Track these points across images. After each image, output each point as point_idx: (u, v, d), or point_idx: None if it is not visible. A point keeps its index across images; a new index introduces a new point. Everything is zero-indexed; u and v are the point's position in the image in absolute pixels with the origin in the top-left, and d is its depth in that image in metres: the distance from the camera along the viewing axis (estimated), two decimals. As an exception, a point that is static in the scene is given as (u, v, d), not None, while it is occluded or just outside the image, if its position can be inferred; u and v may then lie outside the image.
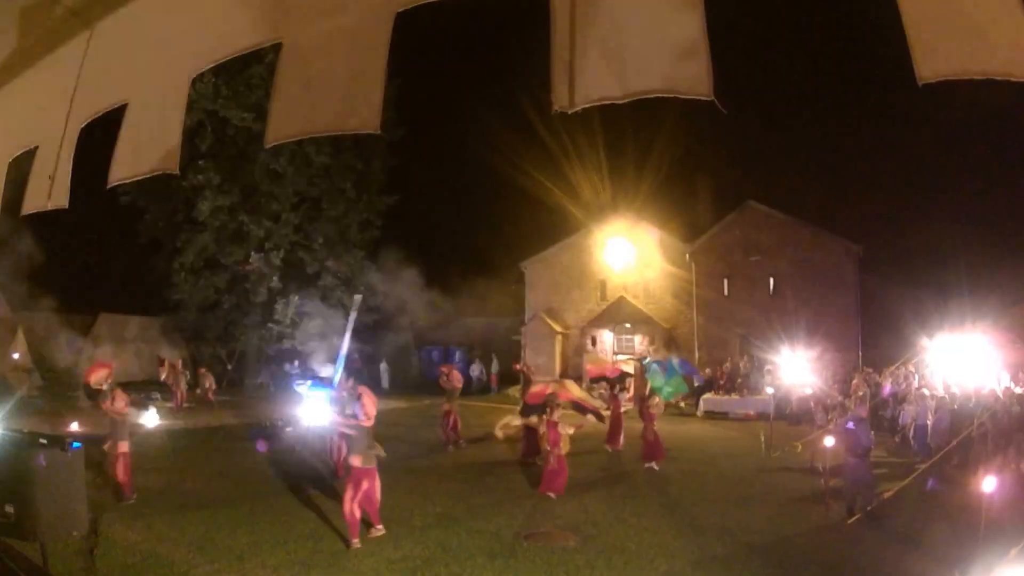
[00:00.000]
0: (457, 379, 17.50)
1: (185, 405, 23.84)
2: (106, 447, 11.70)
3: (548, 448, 12.49)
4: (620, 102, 1.86)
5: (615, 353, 32.48)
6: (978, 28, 1.67)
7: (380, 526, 9.90)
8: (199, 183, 29.21)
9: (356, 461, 9.70)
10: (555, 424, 12.38)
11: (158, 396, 23.11)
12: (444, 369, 18.09)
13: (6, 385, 23.89)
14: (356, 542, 9.47)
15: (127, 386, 24.18)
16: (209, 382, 25.47)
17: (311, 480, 13.34)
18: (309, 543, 9.66)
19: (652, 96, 1.84)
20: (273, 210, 31.10)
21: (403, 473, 13.40)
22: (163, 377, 24.99)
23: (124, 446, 11.56)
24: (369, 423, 9.81)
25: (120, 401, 11.93)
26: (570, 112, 1.88)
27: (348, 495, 9.56)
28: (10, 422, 10.51)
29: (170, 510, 11.16)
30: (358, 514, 9.60)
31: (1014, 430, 13.33)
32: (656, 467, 14.53)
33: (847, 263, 30.64)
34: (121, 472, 11.51)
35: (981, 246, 29.88)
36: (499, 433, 16.06)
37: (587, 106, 1.88)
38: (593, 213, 33.92)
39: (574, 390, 15.43)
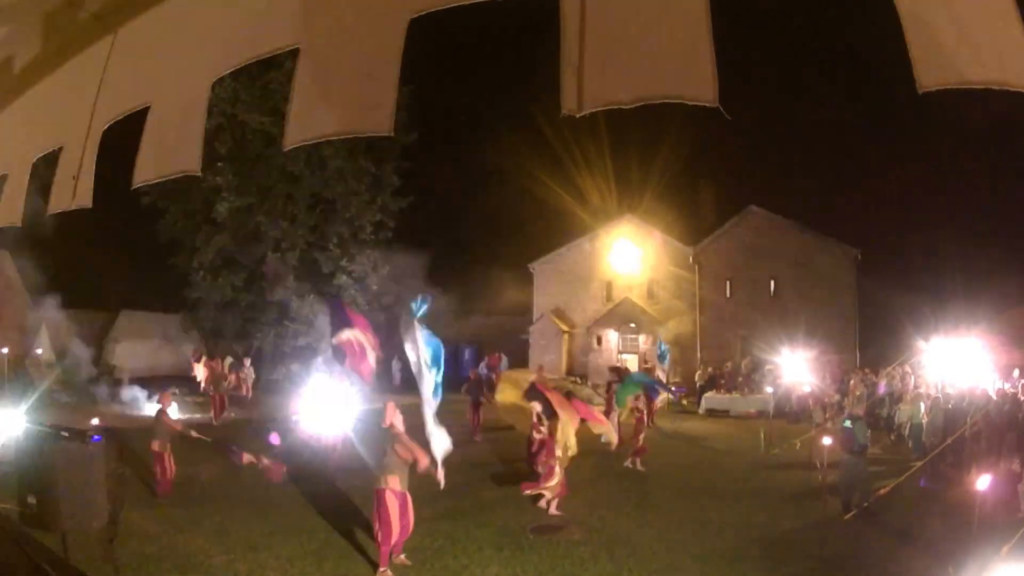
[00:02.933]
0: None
1: (226, 414, 20.50)
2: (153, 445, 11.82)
3: (543, 458, 11.74)
4: (627, 107, 1.88)
5: (620, 352, 33.12)
6: (977, 39, 1.69)
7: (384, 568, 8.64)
8: (218, 184, 29.71)
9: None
10: (552, 437, 11.56)
11: (176, 391, 21.70)
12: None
13: (29, 379, 24.42)
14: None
15: (146, 381, 24.68)
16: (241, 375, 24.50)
17: (324, 474, 13.43)
18: (322, 535, 9.83)
19: (658, 102, 1.85)
20: (289, 211, 31.64)
21: (413, 468, 13.35)
22: (199, 379, 21.94)
23: (156, 444, 11.71)
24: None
25: (164, 403, 12.21)
26: (578, 116, 1.90)
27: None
28: (33, 415, 10.52)
29: (187, 502, 11.31)
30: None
31: (1006, 429, 13.39)
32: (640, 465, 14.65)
33: (846, 267, 31.10)
34: (158, 470, 11.72)
35: (975, 252, 30.51)
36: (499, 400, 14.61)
37: (595, 110, 1.89)
38: (600, 216, 34.55)
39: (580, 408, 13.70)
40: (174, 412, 12.36)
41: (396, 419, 8.92)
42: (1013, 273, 26.23)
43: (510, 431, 16.41)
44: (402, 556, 8.95)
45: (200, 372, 21.91)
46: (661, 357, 24.82)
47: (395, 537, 8.60)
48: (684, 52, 1.83)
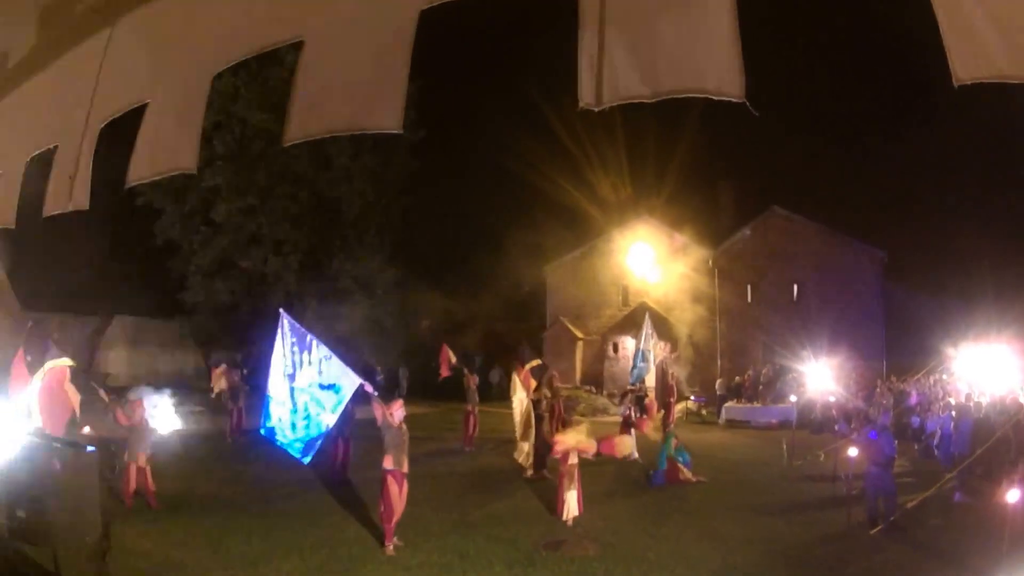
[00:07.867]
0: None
1: (240, 437, 18.28)
2: (125, 457, 11.23)
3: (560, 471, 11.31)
4: (648, 101, 1.83)
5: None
6: (1014, 32, 1.64)
7: (390, 544, 9.56)
8: (216, 184, 29.21)
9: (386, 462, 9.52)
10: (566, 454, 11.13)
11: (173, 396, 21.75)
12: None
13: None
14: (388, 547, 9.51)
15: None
16: None
17: (325, 486, 13.29)
18: (324, 550, 9.60)
19: (681, 96, 1.81)
20: (291, 212, 30.95)
21: (421, 479, 13.12)
22: (215, 388, 19.80)
23: (143, 458, 11.28)
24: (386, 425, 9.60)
25: (137, 411, 11.48)
26: (596, 110, 1.84)
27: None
28: (23, 424, 10.25)
29: (184, 515, 11.08)
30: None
31: (1039, 439, 13.18)
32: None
33: (871, 270, 30.55)
34: (144, 483, 11.31)
35: (1007, 254, 29.53)
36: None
37: (614, 104, 1.83)
38: (615, 218, 33.94)
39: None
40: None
41: (391, 414, 9.57)
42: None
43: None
44: (394, 539, 9.61)
45: (219, 382, 19.69)
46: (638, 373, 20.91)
47: (396, 516, 9.43)
48: (709, 43, 1.79)
